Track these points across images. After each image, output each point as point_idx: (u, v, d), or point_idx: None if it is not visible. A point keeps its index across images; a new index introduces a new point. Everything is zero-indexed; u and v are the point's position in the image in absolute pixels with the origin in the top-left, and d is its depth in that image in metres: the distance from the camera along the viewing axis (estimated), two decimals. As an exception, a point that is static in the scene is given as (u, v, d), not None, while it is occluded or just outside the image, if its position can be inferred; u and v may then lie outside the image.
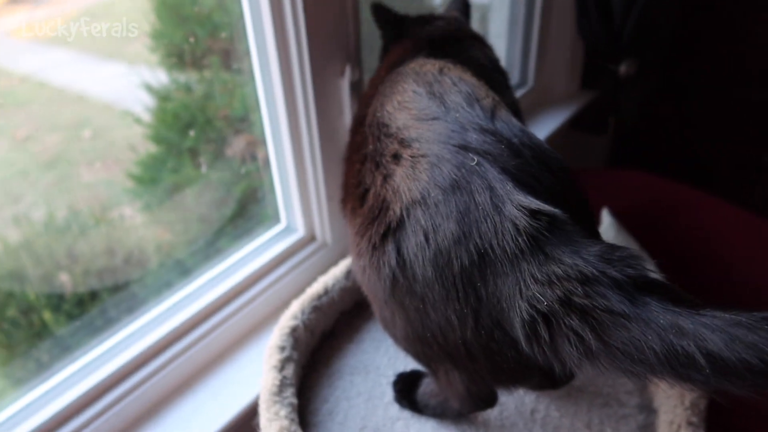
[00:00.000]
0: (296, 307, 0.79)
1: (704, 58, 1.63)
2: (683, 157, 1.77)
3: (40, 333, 1.11)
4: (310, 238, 0.98)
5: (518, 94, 1.42)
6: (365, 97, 0.78)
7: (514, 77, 1.45)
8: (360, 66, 0.90)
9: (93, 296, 1.14)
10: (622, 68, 1.37)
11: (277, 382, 0.68)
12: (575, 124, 1.53)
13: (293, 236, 0.96)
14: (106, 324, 1.09)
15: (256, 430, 0.65)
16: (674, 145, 1.77)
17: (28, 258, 1.15)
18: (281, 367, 0.70)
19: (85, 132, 1.47)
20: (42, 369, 1.06)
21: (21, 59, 1.40)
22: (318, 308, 0.80)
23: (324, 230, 0.96)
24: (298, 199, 0.94)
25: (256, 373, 0.79)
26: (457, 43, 0.84)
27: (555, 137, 1.39)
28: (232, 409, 0.77)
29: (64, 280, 1.16)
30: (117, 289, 1.13)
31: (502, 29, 1.38)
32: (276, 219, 1.00)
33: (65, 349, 1.08)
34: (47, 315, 1.10)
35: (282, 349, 0.72)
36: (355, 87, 0.89)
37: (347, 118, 0.91)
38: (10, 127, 1.34)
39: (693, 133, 1.74)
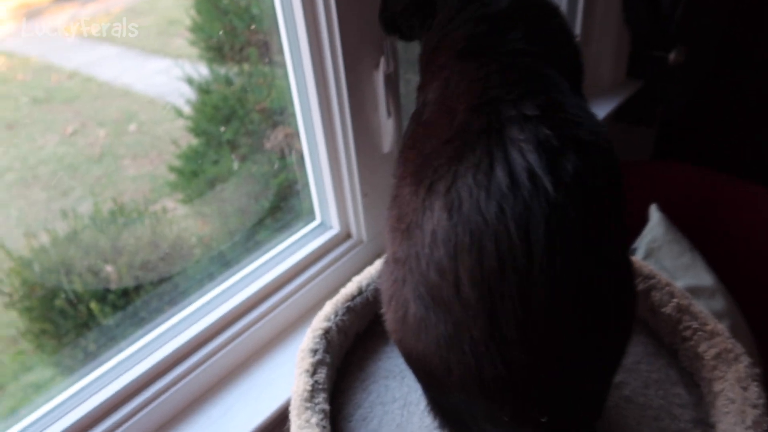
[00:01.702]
0: (329, 309, 0.77)
1: (758, 45, 1.53)
2: (734, 149, 1.68)
3: (87, 323, 1.14)
4: (345, 236, 0.96)
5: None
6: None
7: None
8: (395, 58, 0.88)
9: (137, 288, 1.16)
10: (671, 56, 1.30)
11: (309, 388, 0.67)
12: (620, 116, 1.47)
13: (328, 233, 0.95)
14: (150, 315, 1.11)
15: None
16: (724, 137, 1.68)
17: (75, 250, 1.18)
18: (313, 372, 0.69)
19: (131, 126, 1.50)
20: (89, 358, 1.09)
21: (69, 55, 1.43)
22: (352, 309, 0.79)
23: (359, 227, 0.95)
24: (332, 194, 0.92)
25: (291, 374, 0.79)
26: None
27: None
28: (264, 412, 0.76)
29: (110, 272, 1.19)
30: (159, 280, 1.15)
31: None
32: (312, 214, 0.99)
33: (111, 339, 1.10)
34: (94, 306, 1.13)
35: (314, 352, 0.71)
36: (390, 79, 0.87)
37: (382, 112, 0.89)
38: (59, 122, 1.38)
39: (744, 124, 1.65)
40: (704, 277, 1.09)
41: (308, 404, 0.65)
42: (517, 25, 0.65)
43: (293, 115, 0.91)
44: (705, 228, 1.22)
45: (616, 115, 1.42)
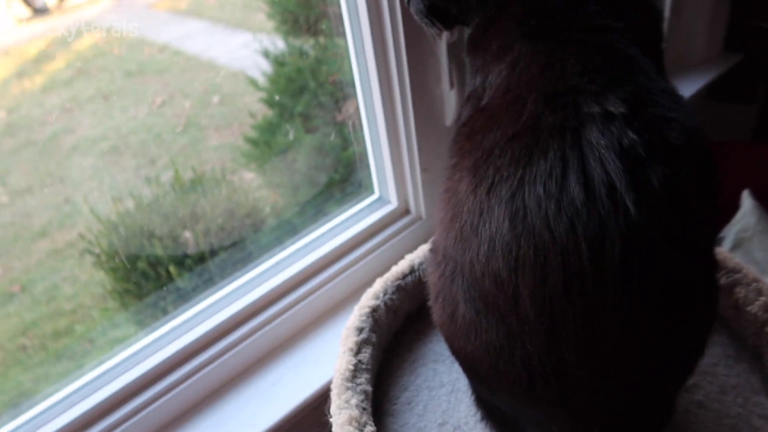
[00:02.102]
0: (378, 287, 0.75)
1: None
2: None
3: (165, 285, 1.19)
4: (403, 211, 0.94)
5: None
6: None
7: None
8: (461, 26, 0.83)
9: (212, 253, 1.20)
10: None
11: (351, 367, 0.65)
12: (715, 93, 1.33)
13: (386, 208, 0.93)
14: (222, 280, 1.15)
15: (328, 416, 0.63)
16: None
17: (156, 216, 1.24)
18: (357, 351, 0.67)
19: (214, 98, 1.55)
20: (167, 317, 1.14)
21: (161, 30, 1.49)
22: (402, 288, 0.76)
23: (418, 203, 0.92)
24: (390, 168, 0.90)
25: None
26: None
27: (692, 106, 1.22)
28: (311, 386, 0.76)
29: (187, 237, 1.23)
30: (232, 247, 1.18)
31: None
32: (371, 188, 0.97)
33: (186, 301, 1.15)
34: (172, 269, 1.18)
35: (360, 330, 0.69)
36: (454, 49, 0.82)
37: (445, 83, 0.84)
38: (149, 94, 1.44)
39: None
40: (803, 273, 0.97)
41: (349, 384, 0.64)
42: None
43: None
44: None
45: (709, 92, 1.29)
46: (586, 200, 0.44)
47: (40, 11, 1.23)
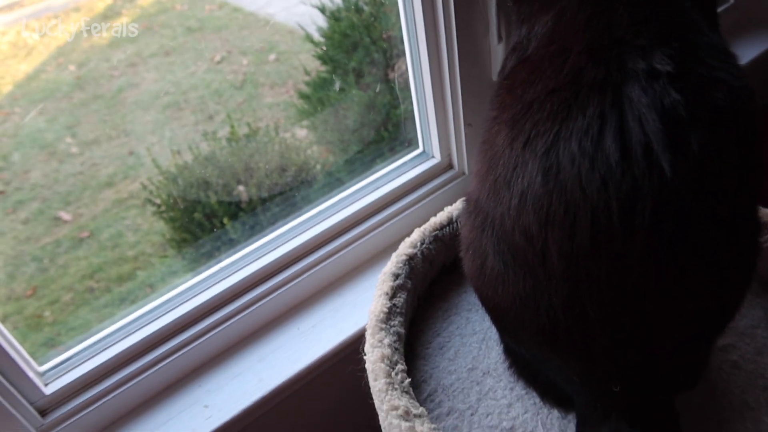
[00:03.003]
0: (416, 236, 0.77)
1: None
2: None
3: (220, 237, 1.24)
4: (446, 166, 0.94)
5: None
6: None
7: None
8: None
9: (264, 206, 1.25)
10: None
11: (386, 309, 0.68)
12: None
13: (429, 162, 0.93)
14: (270, 229, 1.19)
15: (363, 354, 0.66)
16: None
17: (212, 169, 1.29)
18: (393, 295, 0.69)
19: (271, 56, 1.57)
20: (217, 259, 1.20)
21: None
22: (439, 239, 0.78)
23: (461, 158, 0.92)
24: (434, 122, 0.90)
25: (378, 297, 0.81)
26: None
27: (761, 65, 1.14)
28: (348, 330, 0.79)
29: (241, 191, 1.28)
30: (284, 198, 1.22)
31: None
32: (416, 143, 0.98)
33: (240, 251, 1.20)
34: (227, 221, 1.23)
35: (396, 276, 0.71)
36: (502, 0, 0.81)
37: (493, 36, 0.83)
38: (209, 51, 1.48)
39: None
40: None
41: (383, 325, 0.66)
42: None
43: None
44: None
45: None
46: (620, 159, 0.43)
47: (106, -34, 1.27)
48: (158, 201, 1.23)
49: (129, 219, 1.23)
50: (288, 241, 0.86)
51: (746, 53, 1.14)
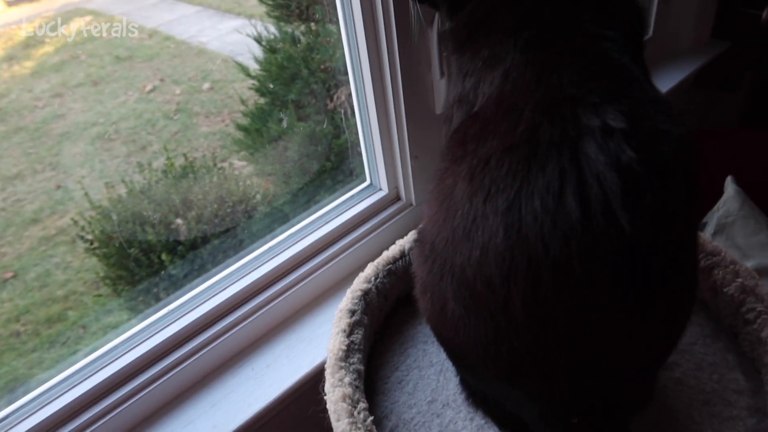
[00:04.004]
0: (370, 271, 0.77)
1: None
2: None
3: (158, 272, 1.20)
4: (394, 198, 0.95)
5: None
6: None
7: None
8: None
9: (204, 240, 1.21)
10: (765, 13, 1.17)
11: (344, 347, 0.67)
12: (702, 80, 1.35)
13: (377, 195, 0.94)
14: (214, 267, 1.16)
15: (323, 394, 0.65)
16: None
17: (149, 203, 1.25)
18: (350, 332, 0.70)
19: (205, 84, 1.55)
20: (159, 304, 1.15)
21: (151, 15, 1.49)
22: (393, 272, 0.79)
23: (408, 190, 0.94)
24: (381, 155, 0.91)
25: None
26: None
27: (678, 94, 1.24)
28: (304, 368, 0.78)
29: (180, 224, 1.24)
30: (224, 234, 1.19)
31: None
32: (363, 176, 0.99)
33: (179, 288, 1.16)
34: (165, 256, 1.19)
35: (352, 312, 0.72)
36: (444, 38, 0.83)
37: (436, 72, 0.86)
38: (139, 80, 1.44)
39: None
40: (782, 257, 1.01)
41: (343, 363, 0.66)
42: (583, 3, 0.57)
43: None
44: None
45: (696, 79, 1.31)
46: (581, 216, 0.45)
47: (27, -6, 1.22)
48: (90, 237, 1.18)
49: (58, 256, 1.18)
50: (237, 280, 0.84)
51: (666, 83, 1.23)
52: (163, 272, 1.17)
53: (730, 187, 1.08)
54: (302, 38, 1.40)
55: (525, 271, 0.47)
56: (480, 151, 0.52)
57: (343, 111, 1.18)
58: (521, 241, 0.47)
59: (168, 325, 0.80)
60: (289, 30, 1.40)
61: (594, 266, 0.45)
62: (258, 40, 1.39)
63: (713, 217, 1.07)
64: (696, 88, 1.38)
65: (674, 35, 1.32)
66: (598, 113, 0.47)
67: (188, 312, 0.81)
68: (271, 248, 0.87)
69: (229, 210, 1.28)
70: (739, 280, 0.72)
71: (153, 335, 0.79)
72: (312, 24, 1.36)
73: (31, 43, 1.21)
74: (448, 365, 0.73)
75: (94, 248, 1.19)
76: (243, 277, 0.84)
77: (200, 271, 1.18)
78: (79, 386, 0.74)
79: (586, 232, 0.45)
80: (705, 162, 1.09)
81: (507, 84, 0.55)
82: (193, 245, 1.20)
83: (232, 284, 0.84)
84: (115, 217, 1.21)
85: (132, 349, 0.78)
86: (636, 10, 0.63)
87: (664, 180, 0.47)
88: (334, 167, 1.29)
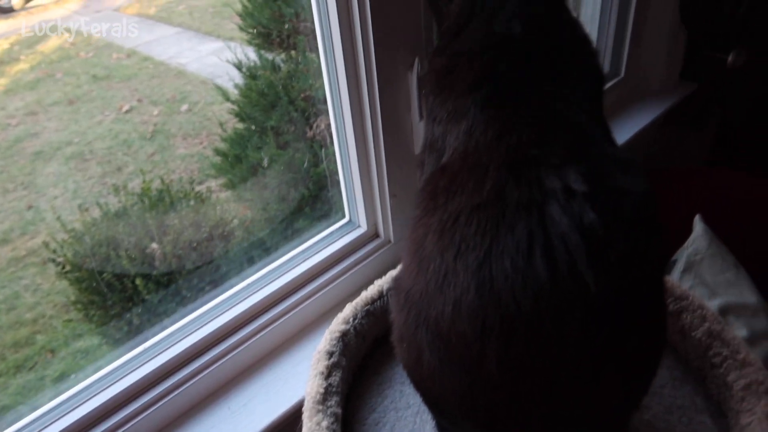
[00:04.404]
0: (348, 312, 0.78)
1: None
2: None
3: (131, 297, 1.19)
4: (372, 235, 0.97)
5: (608, 85, 1.32)
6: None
7: (604, 66, 1.34)
8: (430, 59, 0.87)
9: (179, 267, 1.21)
10: (730, 58, 1.23)
11: (322, 390, 0.68)
12: (671, 119, 1.40)
13: (356, 231, 0.95)
14: (190, 294, 1.15)
15: (300, 437, 0.66)
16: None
17: (123, 226, 1.23)
18: (328, 374, 0.70)
19: (183, 106, 1.54)
20: (132, 331, 1.14)
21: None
22: (371, 313, 0.79)
23: (387, 227, 0.95)
24: (361, 193, 0.92)
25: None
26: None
27: (648, 133, 1.28)
28: (281, 407, 0.78)
29: (155, 249, 1.23)
30: (201, 260, 1.19)
31: (595, 12, 1.27)
32: (342, 211, 1.00)
33: (153, 314, 1.14)
34: (139, 282, 1.18)
35: (330, 354, 0.72)
36: (423, 81, 0.86)
37: (415, 114, 0.88)
38: (116, 100, 1.43)
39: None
40: (748, 295, 1.04)
41: (320, 407, 0.67)
42: (539, 59, 0.60)
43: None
44: (755, 242, 1.15)
45: (666, 119, 1.36)
46: (549, 276, 0.47)
47: (3, 10, 1.21)
48: (62, 260, 1.16)
49: (27, 278, 1.16)
50: (215, 318, 0.84)
51: (636, 123, 1.27)
52: (136, 298, 1.16)
53: (698, 225, 1.12)
54: (283, 66, 1.40)
55: (498, 329, 0.48)
56: (450, 205, 0.54)
57: (322, 140, 1.19)
58: (493, 300, 0.48)
59: (143, 364, 0.79)
60: (270, 57, 1.41)
61: (564, 323, 0.48)
62: (238, 66, 1.40)
63: (683, 255, 1.10)
64: (666, 127, 1.42)
65: (645, 76, 1.36)
66: (559, 175, 0.50)
67: (164, 350, 0.80)
68: (248, 285, 0.87)
69: (205, 235, 1.27)
70: (706, 324, 0.75)
71: (128, 374, 0.78)
72: (293, 52, 1.37)
73: (5, 59, 1.20)
74: (425, 407, 0.74)
75: (66, 272, 1.17)
76: (221, 314, 0.84)
77: (175, 297, 1.17)
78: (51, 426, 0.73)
79: (554, 291, 0.47)
80: (675, 199, 1.13)
81: (471, 140, 0.57)
82: (169, 270, 1.19)
83: (209, 322, 0.84)
84: (88, 240, 1.20)
85: (106, 388, 0.77)
86: (592, 65, 0.65)
87: (625, 239, 0.49)
88: (313, 195, 1.29)
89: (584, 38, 0.66)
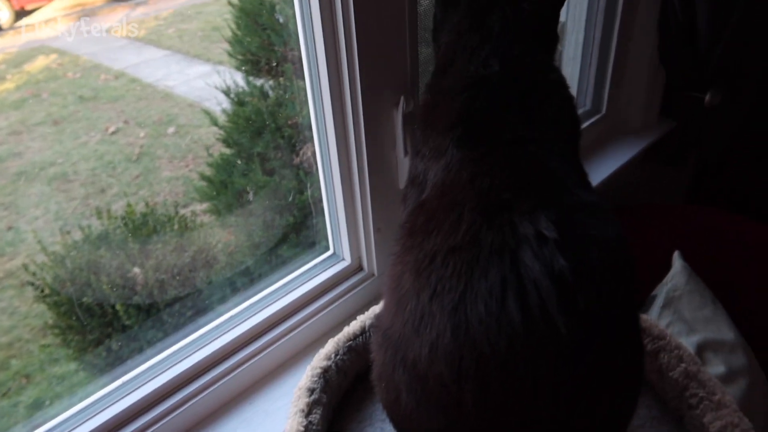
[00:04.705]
0: (330, 348, 0.78)
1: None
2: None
3: (111, 323, 1.17)
4: (356, 268, 0.97)
5: (589, 122, 1.35)
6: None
7: (586, 104, 1.38)
8: (416, 97, 0.88)
9: (161, 292, 1.20)
10: (707, 97, 1.26)
11: (302, 429, 0.67)
12: (651, 156, 1.43)
13: (339, 264, 0.96)
14: (172, 321, 1.14)
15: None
16: (762, 184, 1.62)
17: (105, 250, 1.22)
18: (308, 412, 0.70)
19: (170, 129, 1.54)
20: (110, 357, 1.12)
21: (118, 56, 1.48)
22: (353, 349, 0.79)
23: (371, 261, 0.95)
24: (345, 226, 0.93)
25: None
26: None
27: (628, 169, 1.31)
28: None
29: (137, 274, 1.22)
30: (183, 287, 1.18)
31: (577, 52, 1.30)
32: (326, 244, 1.00)
33: (132, 340, 1.13)
34: (119, 307, 1.16)
35: (311, 391, 0.72)
36: (408, 119, 0.87)
37: (400, 150, 0.89)
38: (102, 121, 1.43)
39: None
40: (725, 332, 1.06)
41: (300, 445, 0.66)
42: (514, 101, 0.62)
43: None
44: (732, 279, 1.18)
45: (646, 155, 1.39)
46: (522, 320, 0.48)
47: (-9, 28, 1.21)
48: (40, 283, 1.15)
49: (4, 300, 1.14)
50: (195, 351, 0.83)
51: (617, 160, 1.30)
52: (116, 324, 1.15)
53: (677, 262, 1.14)
54: (271, 93, 1.41)
55: (475, 371, 0.49)
56: (426, 245, 0.55)
57: (308, 167, 1.19)
58: (469, 343, 0.49)
59: (121, 398, 0.78)
60: (258, 83, 1.42)
61: (537, 366, 0.49)
62: (226, 92, 1.40)
63: (662, 291, 1.12)
64: (646, 164, 1.46)
65: (625, 114, 1.40)
66: (532, 221, 0.51)
67: (142, 384, 0.79)
68: (230, 318, 0.87)
69: (188, 261, 1.26)
70: (683, 365, 0.76)
71: (104, 409, 0.77)
72: (281, 79, 1.38)
73: (-9, 78, 1.20)
74: (405, 445, 0.74)
75: (44, 295, 1.16)
76: (201, 347, 0.84)
77: (156, 324, 1.16)
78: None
79: (528, 335, 0.48)
80: (654, 235, 1.15)
81: (448, 178, 0.59)
82: (151, 296, 1.18)
83: (189, 355, 0.83)
84: (68, 264, 1.19)
85: (82, 424, 0.75)
86: (567, 109, 0.67)
87: (593, 286, 0.50)
88: (298, 222, 1.30)
89: (561, 82, 0.68)
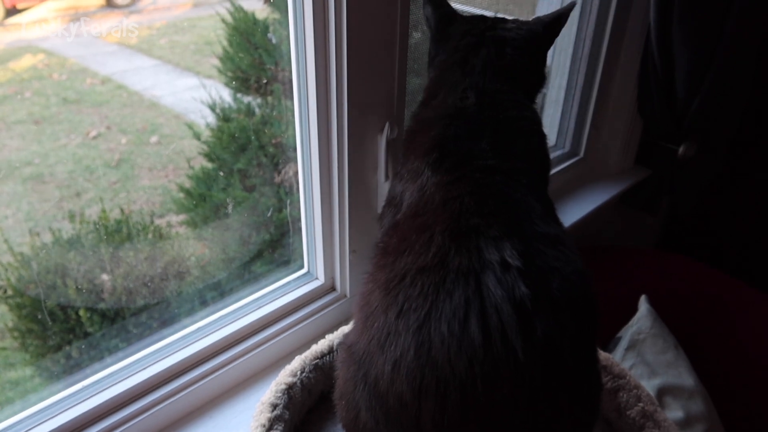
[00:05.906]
0: (297, 364, 0.78)
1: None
2: (739, 248, 1.67)
3: (73, 329, 1.15)
4: (330, 288, 0.97)
5: (567, 163, 1.39)
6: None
7: (565, 146, 1.42)
8: (401, 125, 0.90)
9: (128, 301, 1.18)
10: (681, 149, 1.31)
11: (262, 444, 0.67)
12: (626, 201, 1.48)
13: (313, 283, 0.96)
14: (137, 333, 1.12)
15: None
16: (730, 235, 1.67)
17: (75, 254, 1.20)
18: (269, 427, 0.69)
19: (153, 138, 1.53)
20: (69, 364, 1.10)
21: (107, 62, 1.48)
22: (320, 367, 0.79)
23: (344, 282, 0.96)
24: (321, 246, 0.94)
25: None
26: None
27: (603, 211, 1.34)
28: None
29: (105, 281, 1.20)
30: (152, 297, 1.16)
31: (560, 96, 1.35)
32: (301, 262, 1.01)
33: (93, 349, 1.11)
34: (83, 313, 1.14)
35: (274, 406, 0.71)
36: (392, 145, 0.89)
37: (381, 175, 0.90)
38: (84, 125, 1.42)
39: (752, 225, 1.64)
40: (686, 377, 1.08)
41: (258, 461, 0.65)
42: (485, 132, 0.65)
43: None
44: (695, 326, 1.20)
45: (621, 199, 1.42)
46: (483, 342, 0.50)
47: (-22, 24, 1.21)
48: (3, 283, 1.13)
49: (-36, 301, 1.11)
50: (158, 361, 0.82)
51: (593, 201, 1.33)
52: (78, 330, 1.13)
53: (643, 306, 1.16)
54: (258, 111, 1.43)
55: (434, 390, 0.50)
56: (397, 264, 0.56)
57: (289, 186, 1.20)
58: (431, 362, 0.51)
59: (75, 405, 0.76)
60: (245, 101, 1.43)
61: (495, 388, 0.50)
62: (212, 107, 1.41)
63: (627, 333, 1.14)
64: (620, 208, 1.50)
65: (603, 159, 1.44)
66: (497, 248, 0.53)
67: (100, 391, 0.78)
68: (198, 329, 0.86)
69: (159, 271, 1.25)
70: (641, 404, 0.77)
71: (55, 416, 0.74)
72: (269, 98, 1.40)
73: (-27, 73, 1.18)
74: (364, 468, 0.73)
75: (7, 296, 1.14)
76: (165, 357, 0.83)
77: (120, 333, 1.14)
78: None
79: (487, 356, 0.50)
80: (624, 278, 1.18)
81: (422, 200, 0.61)
82: (117, 304, 1.16)
83: (152, 364, 0.82)
84: (35, 266, 1.17)
85: (32, 428, 0.73)
86: (537, 145, 0.70)
87: (552, 315, 0.52)
88: (274, 240, 1.29)
89: (534, 119, 0.72)
